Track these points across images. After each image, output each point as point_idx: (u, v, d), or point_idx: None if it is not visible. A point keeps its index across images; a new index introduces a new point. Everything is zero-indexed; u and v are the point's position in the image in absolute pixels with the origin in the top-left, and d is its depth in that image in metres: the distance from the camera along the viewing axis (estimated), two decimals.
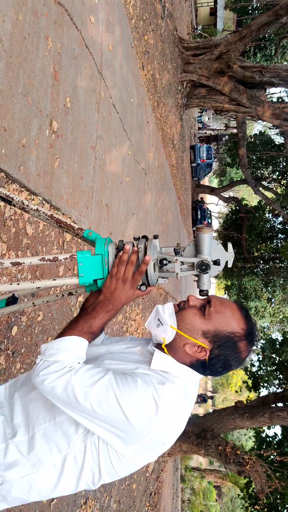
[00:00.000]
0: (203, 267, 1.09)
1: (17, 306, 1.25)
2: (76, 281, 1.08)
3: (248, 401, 10.46)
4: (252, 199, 28.06)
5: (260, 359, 11.37)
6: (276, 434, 10.55)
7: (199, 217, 20.65)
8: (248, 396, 12.01)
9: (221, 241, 1.11)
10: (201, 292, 1.15)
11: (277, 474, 9.54)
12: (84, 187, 3.38)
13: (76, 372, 0.98)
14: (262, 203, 20.00)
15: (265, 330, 26.00)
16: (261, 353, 11.32)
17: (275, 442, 10.23)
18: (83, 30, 3.35)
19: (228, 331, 1.08)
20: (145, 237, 1.13)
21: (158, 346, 1.13)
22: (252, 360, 12.26)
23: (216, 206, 37.00)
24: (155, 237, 1.13)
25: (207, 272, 1.09)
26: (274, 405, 9.60)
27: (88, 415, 0.98)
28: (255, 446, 10.28)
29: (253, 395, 11.19)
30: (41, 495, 1.09)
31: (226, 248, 1.14)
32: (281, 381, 10.82)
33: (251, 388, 10.80)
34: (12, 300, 1.23)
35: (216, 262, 1.11)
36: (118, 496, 5.16)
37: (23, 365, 2.67)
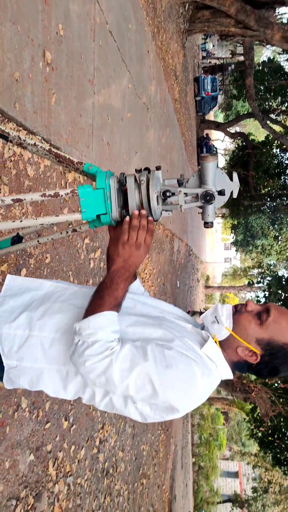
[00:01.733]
0: (207, 198, 1.04)
1: (22, 245, 1.24)
2: (79, 217, 1.06)
3: None
4: (259, 134, 27.02)
5: (266, 295, 11.60)
6: None
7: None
8: None
9: (226, 171, 1.04)
10: (206, 224, 1.11)
11: (281, 400, 10.09)
12: (83, 124, 3.24)
13: (117, 357, 0.99)
14: (270, 138, 19.27)
15: (271, 267, 26.27)
16: (267, 290, 11.52)
17: None
18: None
19: (282, 341, 1.11)
20: (147, 169, 1.08)
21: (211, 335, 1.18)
22: (258, 297, 12.52)
23: (222, 143, 35.84)
24: (158, 168, 1.08)
25: (212, 203, 1.05)
26: None
27: (122, 394, 1.03)
28: None
29: None
30: (43, 390, 1.15)
31: (231, 178, 1.09)
32: None
33: None
34: (17, 239, 1.22)
35: (221, 192, 1.06)
36: (133, 422, 5.52)
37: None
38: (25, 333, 1.12)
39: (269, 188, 22.11)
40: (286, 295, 10.74)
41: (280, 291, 11.00)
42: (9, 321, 1.14)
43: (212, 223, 1.10)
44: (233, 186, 1.08)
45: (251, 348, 1.11)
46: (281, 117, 19.60)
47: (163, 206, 1.10)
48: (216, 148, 22.18)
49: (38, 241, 1.15)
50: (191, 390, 1.02)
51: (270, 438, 11.39)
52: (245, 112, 25.02)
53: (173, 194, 1.07)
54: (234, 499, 17.97)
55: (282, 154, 21.64)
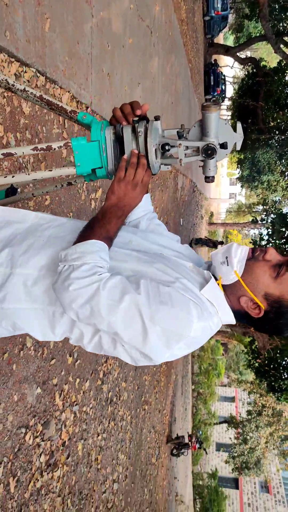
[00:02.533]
0: (208, 152, 0.97)
1: (17, 197, 1.19)
2: (73, 171, 0.99)
3: None
4: (271, 60, 25.27)
5: (270, 232, 11.55)
6: None
7: (212, 83, 18.87)
8: None
9: (230, 119, 0.95)
10: (207, 178, 1.04)
11: None
12: (81, 53, 3.00)
13: (105, 284, 0.89)
14: (283, 64, 18.05)
15: (276, 204, 25.95)
16: (271, 228, 11.46)
17: None
18: None
19: None
20: (145, 118, 1.00)
21: (214, 276, 1.05)
22: (262, 234, 12.50)
23: (231, 70, 33.71)
24: (156, 118, 0.99)
25: (213, 157, 0.98)
26: None
27: (108, 330, 0.93)
28: None
29: None
30: (30, 333, 1.08)
31: (235, 129, 1.00)
32: None
33: None
34: (11, 191, 1.16)
35: (223, 146, 0.98)
36: None
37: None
38: (6, 271, 1.01)
39: (278, 121, 21.18)
40: None
41: (283, 229, 10.94)
42: None
43: (213, 177, 1.03)
44: (237, 138, 1.00)
45: (256, 300, 1.00)
46: None
47: (162, 160, 1.02)
48: (224, 76, 20.86)
49: (33, 194, 1.09)
50: (184, 333, 0.91)
51: (266, 368, 12.03)
52: (257, 35, 23.19)
53: (172, 147, 0.99)
54: (230, 421, 19.41)
55: None
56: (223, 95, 22.17)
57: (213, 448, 22.54)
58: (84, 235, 0.97)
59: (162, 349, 0.91)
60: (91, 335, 1.02)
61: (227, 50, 20.06)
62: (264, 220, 12.51)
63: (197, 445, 11.29)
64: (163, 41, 6.48)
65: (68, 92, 2.85)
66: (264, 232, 12.48)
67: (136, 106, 0.98)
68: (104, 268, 0.94)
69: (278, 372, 11.84)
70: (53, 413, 3.14)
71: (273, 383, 12.33)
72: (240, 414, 21.56)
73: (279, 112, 19.48)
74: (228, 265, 1.02)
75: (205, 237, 15.75)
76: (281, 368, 11.86)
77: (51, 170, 0.99)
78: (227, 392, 30.20)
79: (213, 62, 19.40)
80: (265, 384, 13.25)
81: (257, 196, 27.81)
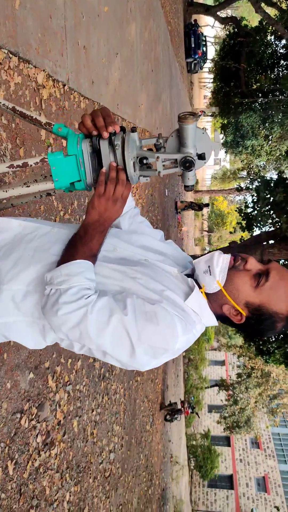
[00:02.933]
0: (186, 165, 0.96)
1: None
2: (51, 186, 0.98)
3: (242, 241, 11.04)
4: (252, 19, 24.52)
5: (255, 200, 11.55)
6: None
7: (192, 45, 18.29)
8: (242, 236, 12.59)
9: (206, 129, 0.91)
10: (186, 187, 1.04)
11: None
12: (55, 27, 2.86)
13: (93, 308, 0.92)
14: (264, 23, 17.53)
15: (260, 170, 25.84)
16: (256, 195, 11.45)
17: None
18: None
19: (273, 310, 1.03)
20: (123, 129, 0.97)
21: (197, 283, 1.08)
22: (247, 202, 12.50)
23: (212, 29, 32.69)
24: (133, 130, 0.97)
25: (192, 170, 0.97)
26: (265, 242, 10.10)
27: (97, 349, 0.96)
28: None
29: (246, 234, 11.72)
30: (21, 343, 1.12)
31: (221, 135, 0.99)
32: (273, 220, 11.11)
33: (245, 228, 11.16)
34: None
35: (201, 156, 0.97)
36: None
37: None
38: None
39: (261, 83, 20.80)
40: (275, 199, 10.69)
41: (268, 195, 10.92)
42: None
43: (192, 186, 1.02)
44: (215, 146, 0.98)
45: (238, 308, 1.05)
46: None
47: (140, 172, 1.01)
48: (205, 36, 20.22)
49: (12, 204, 1.06)
50: (169, 347, 0.96)
51: None
52: None
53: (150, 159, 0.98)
54: (221, 384, 20.07)
55: (277, 42, 19.98)
56: (205, 58, 21.60)
57: (205, 410, 23.43)
58: (68, 254, 0.98)
59: (149, 361, 0.96)
60: (80, 346, 1.04)
61: (207, 10, 19.36)
62: (248, 188, 12.48)
63: (190, 410, 11.69)
64: (140, 6, 6.20)
65: (43, 71, 2.73)
66: (249, 199, 12.48)
67: (109, 122, 0.95)
68: (91, 289, 0.96)
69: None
70: (46, 395, 3.19)
71: (261, 347, 12.70)
72: (230, 377, 22.30)
73: (262, 75, 19.09)
74: (210, 274, 1.05)
75: (190, 201, 15.45)
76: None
77: (29, 186, 0.96)
78: (217, 356, 31.10)
79: (193, 22, 18.73)
80: (254, 348, 13.65)
81: (241, 161, 27.66)
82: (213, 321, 1.07)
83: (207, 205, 15.74)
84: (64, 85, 3.16)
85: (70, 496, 3.60)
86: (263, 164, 25.80)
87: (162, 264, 1.10)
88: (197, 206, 14.55)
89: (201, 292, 1.06)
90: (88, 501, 4.08)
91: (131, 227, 1.26)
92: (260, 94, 21.15)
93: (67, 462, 3.62)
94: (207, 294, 1.07)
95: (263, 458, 20.72)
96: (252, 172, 27.72)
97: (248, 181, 19.33)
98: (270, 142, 23.36)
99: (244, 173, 31.44)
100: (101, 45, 4.03)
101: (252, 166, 27.07)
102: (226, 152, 27.89)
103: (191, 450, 17.67)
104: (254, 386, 17.12)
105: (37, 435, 3.02)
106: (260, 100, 21.30)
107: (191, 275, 1.13)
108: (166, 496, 9.96)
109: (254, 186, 12.02)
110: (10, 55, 2.30)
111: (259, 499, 18.58)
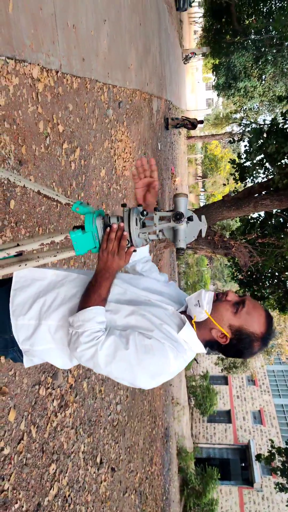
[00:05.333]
0: (177, 217, 1.19)
1: (24, 257, 1.34)
2: (73, 254, 1.23)
3: (235, 193, 11.11)
4: None
5: (247, 150, 11.46)
6: (259, 215, 11.45)
7: None
8: (235, 188, 12.62)
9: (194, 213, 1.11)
10: (178, 250, 1.26)
11: (259, 249, 10.99)
12: (45, 17, 2.86)
13: (102, 346, 1.20)
14: None
15: (253, 114, 25.15)
16: (248, 146, 11.36)
17: (258, 223, 11.17)
18: None
19: (250, 330, 1.31)
20: (124, 205, 1.23)
21: (188, 317, 1.36)
22: (240, 152, 12.41)
23: None
24: (139, 206, 1.25)
25: (182, 222, 1.20)
26: (258, 194, 10.18)
27: (106, 374, 1.26)
28: (241, 229, 11.31)
29: (240, 185, 11.76)
30: (54, 363, 1.42)
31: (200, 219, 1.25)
32: (266, 171, 11.10)
33: (238, 179, 11.18)
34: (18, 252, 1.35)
35: (190, 218, 1.22)
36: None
37: (27, 229, 2.88)
38: (36, 322, 1.35)
39: (253, 17, 19.73)
40: (267, 150, 10.58)
41: (260, 145, 10.79)
42: (23, 313, 1.36)
43: (184, 249, 1.25)
44: (201, 225, 1.24)
45: (223, 331, 1.32)
46: None
47: (141, 230, 1.25)
48: None
49: (38, 256, 1.27)
50: (164, 371, 1.25)
51: (249, 279, 12.79)
52: None
53: (150, 217, 1.25)
54: None
55: None
56: None
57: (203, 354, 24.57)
58: (84, 301, 1.28)
59: (149, 382, 1.27)
60: None
61: None
62: (241, 140, 12.29)
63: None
64: None
65: (38, 65, 2.78)
66: (242, 150, 12.35)
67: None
68: (100, 331, 1.25)
69: (260, 280, 12.61)
70: None
71: (256, 292, 13.19)
72: None
73: (253, 19, 18.06)
74: (200, 306, 1.33)
75: (182, 117, 14.30)
76: (262, 278, 12.62)
77: (56, 256, 1.18)
78: None
79: None
80: (249, 294, 14.16)
81: (234, 104, 26.86)
82: (201, 349, 1.35)
83: (201, 121, 14.54)
84: (57, 72, 3.19)
85: (84, 447, 4.08)
86: (256, 106, 25.12)
87: (161, 303, 1.39)
88: (190, 124, 13.68)
89: (192, 323, 1.34)
90: (100, 448, 4.60)
91: (142, 270, 1.60)
92: (252, 31, 20.19)
93: (80, 419, 4.05)
94: (197, 323, 1.34)
95: (259, 393, 22.12)
96: (246, 115, 27.02)
97: (241, 127, 18.95)
98: (263, 83, 22.62)
99: (237, 115, 30.64)
100: (89, 17, 3.96)
101: (245, 108, 26.36)
102: (218, 95, 26.97)
103: (191, 390, 18.88)
104: None
105: (53, 400, 3.40)
106: (252, 37, 20.38)
107: (184, 311, 1.41)
108: (168, 434, 10.90)
109: (246, 139, 11.86)
110: (8, 60, 2.36)
111: (256, 431, 20.09)
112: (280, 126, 10.10)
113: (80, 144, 3.98)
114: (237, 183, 11.68)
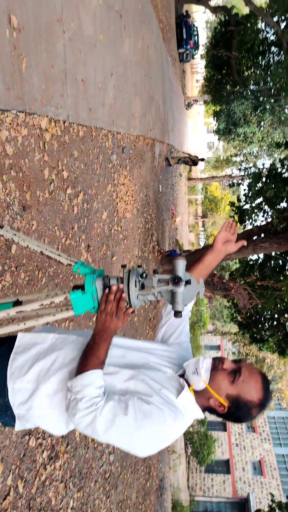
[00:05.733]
0: (175, 280, 1.20)
1: (23, 308, 1.35)
2: (72, 314, 1.23)
3: None
4: (243, 7, 24.23)
5: (247, 194, 11.69)
6: (259, 257, 11.51)
7: (184, 36, 18.16)
8: None
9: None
10: (176, 313, 1.25)
11: (258, 292, 10.96)
12: (56, 74, 3.00)
13: (101, 412, 1.18)
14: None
15: (253, 157, 25.82)
16: (247, 190, 11.60)
17: (257, 265, 11.22)
18: None
19: (247, 399, 1.30)
20: (124, 266, 1.25)
21: (187, 381, 1.36)
22: (239, 196, 12.65)
23: (203, 14, 32.18)
24: (139, 265, 1.29)
25: (180, 285, 1.20)
26: (257, 236, 10.28)
27: (104, 441, 1.23)
28: (240, 270, 11.34)
29: (239, 227, 11.89)
30: (48, 431, 1.41)
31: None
32: (265, 213, 11.24)
33: (237, 222, 11.33)
34: (17, 302, 1.34)
35: (188, 282, 1.23)
36: (122, 331, 6.10)
37: (27, 273, 2.88)
38: (33, 386, 1.32)
39: (252, 70, 20.73)
40: (265, 194, 10.78)
41: (259, 189, 11.00)
42: (21, 375, 1.33)
43: (181, 312, 1.25)
44: (199, 288, 1.25)
45: (221, 400, 1.32)
46: None
47: (140, 292, 1.25)
48: (196, 27, 20.02)
49: (37, 312, 1.27)
50: (162, 437, 1.24)
51: (248, 321, 12.67)
52: None
53: (149, 279, 1.26)
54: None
55: (268, 29, 19.88)
56: (196, 46, 21.45)
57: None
58: (82, 364, 1.26)
59: (146, 449, 1.25)
60: None
61: (198, 0, 19.14)
62: (240, 184, 12.58)
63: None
64: (132, 18, 6.25)
65: (46, 116, 2.88)
66: (242, 193, 12.56)
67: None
68: (99, 396, 1.22)
69: (259, 323, 12.48)
70: None
71: (255, 335, 13.02)
72: None
73: (252, 73, 18.98)
74: (197, 374, 1.32)
75: (184, 153, 14.19)
76: (262, 320, 12.51)
77: (54, 315, 1.18)
78: (212, 341, 31.64)
79: (184, 13, 18.55)
80: (248, 336, 13.98)
81: (234, 148, 27.65)
82: (199, 414, 1.34)
83: (202, 159, 14.56)
84: (64, 122, 3.31)
85: (73, 502, 3.88)
86: (256, 150, 25.87)
87: (160, 366, 1.39)
88: (191, 161, 13.69)
89: (190, 389, 1.32)
90: (90, 504, 4.37)
91: (174, 341, 1.58)
92: (251, 82, 21.12)
93: (70, 471, 3.88)
94: (196, 391, 1.33)
95: (259, 442, 21.30)
96: (245, 159, 27.72)
97: (241, 171, 19.38)
98: (262, 129, 23.41)
99: (237, 158, 31.42)
100: (98, 71, 4.15)
101: (245, 153, 27.12)
102: (219, 139, 27.88)
103: (187, 437, 18.20)
104: None
105: (43, 451, 3.26)
106: (251, 87, 21.28)
107: (183, 374, 1.40)
108: (163, 485, 10.40)
109: (246, 183, 12.11)
110: (18, 114, 2.45)
111: (255, 483, 19.15)
112: (278, 171, 10.35)
113: (84, 189, 4.06)
114: (237, 225, 11.75)
